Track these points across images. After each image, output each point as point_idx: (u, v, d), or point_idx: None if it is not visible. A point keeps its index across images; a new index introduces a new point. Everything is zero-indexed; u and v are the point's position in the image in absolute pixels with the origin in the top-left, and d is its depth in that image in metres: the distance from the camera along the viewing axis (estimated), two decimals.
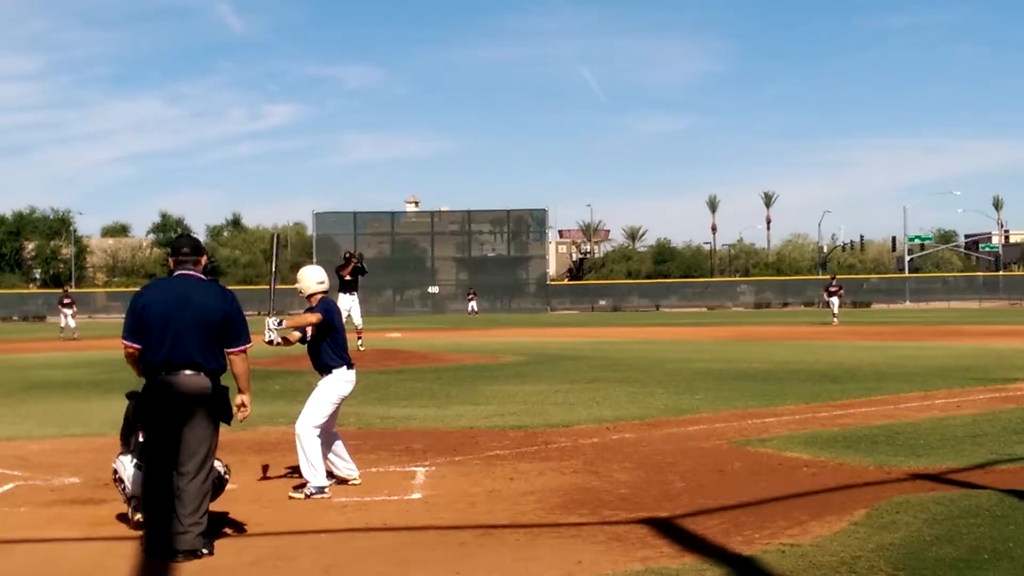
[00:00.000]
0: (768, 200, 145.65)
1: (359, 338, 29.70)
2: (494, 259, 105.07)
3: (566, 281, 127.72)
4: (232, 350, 8.30)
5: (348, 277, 30.17)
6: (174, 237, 8.97)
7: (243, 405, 8.38)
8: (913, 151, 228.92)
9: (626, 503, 9.64)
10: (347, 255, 31.45)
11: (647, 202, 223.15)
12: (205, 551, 7.86)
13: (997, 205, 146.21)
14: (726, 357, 29.38)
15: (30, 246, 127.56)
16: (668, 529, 8.53)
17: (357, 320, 30.16)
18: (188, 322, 8.03)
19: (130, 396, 8.99)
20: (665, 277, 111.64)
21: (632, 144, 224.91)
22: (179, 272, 8.32)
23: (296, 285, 10.86)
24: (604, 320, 71.83)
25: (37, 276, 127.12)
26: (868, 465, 11.29)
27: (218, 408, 8.18)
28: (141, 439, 8.49)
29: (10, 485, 10.95)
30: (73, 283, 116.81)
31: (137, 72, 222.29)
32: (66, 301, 50.99)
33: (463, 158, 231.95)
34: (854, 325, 51.12)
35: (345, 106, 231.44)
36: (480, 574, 7.18)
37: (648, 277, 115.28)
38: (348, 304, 29.19)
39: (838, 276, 62.13)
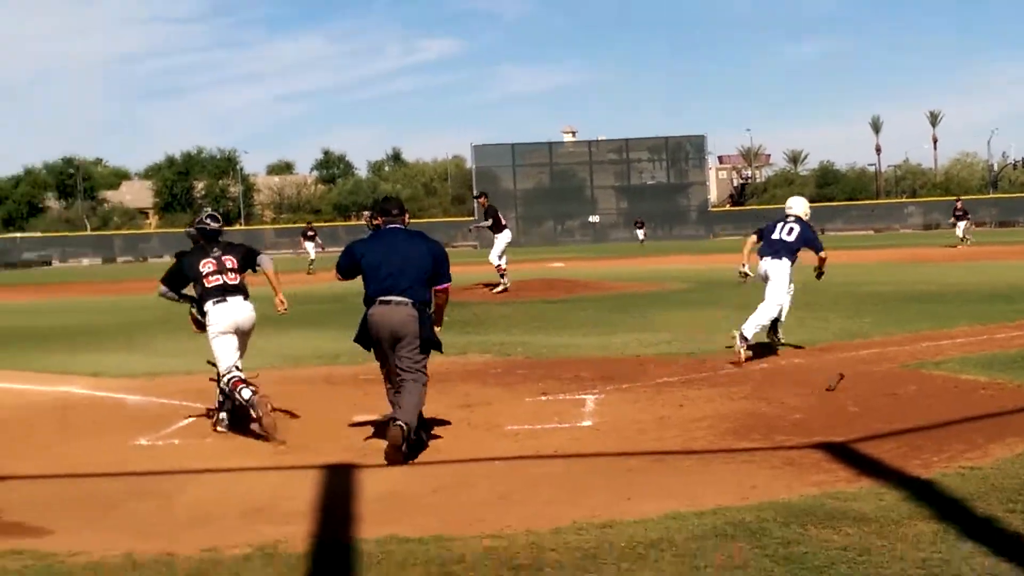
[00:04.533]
0: (934, 119, 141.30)
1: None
2: (653, 187, 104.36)
3: (728, 207, 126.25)
4: (438, 288, 9.77)
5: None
6: (380, 199, 10.15)
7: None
8: None
9: (798, 428, 9.55)
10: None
11: (808, 125, 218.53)
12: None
13: None
14: (895, 279, 28.82)
15: (199, 186, 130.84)
16: (843, 453, 8.44)
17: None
18: (399, 265, 9.53)
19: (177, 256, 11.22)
20: (829, 200, 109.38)
21: (791, 66, 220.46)
22: (390, 227, 9.92)
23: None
24: None
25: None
26: None
27: (424, 333, 9.48)
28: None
29: (195, 417, 11.32)
30: (242, 220, 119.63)
31: (296, 11, 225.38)
32: (309, 234, 51.45)
33: (619, 86, 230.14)
34: None
35: (500, 38, 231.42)
36: (652, 499, 7.20)
37: (812, 201, 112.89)
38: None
39: (962, 198, 59.88)
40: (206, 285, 10.69)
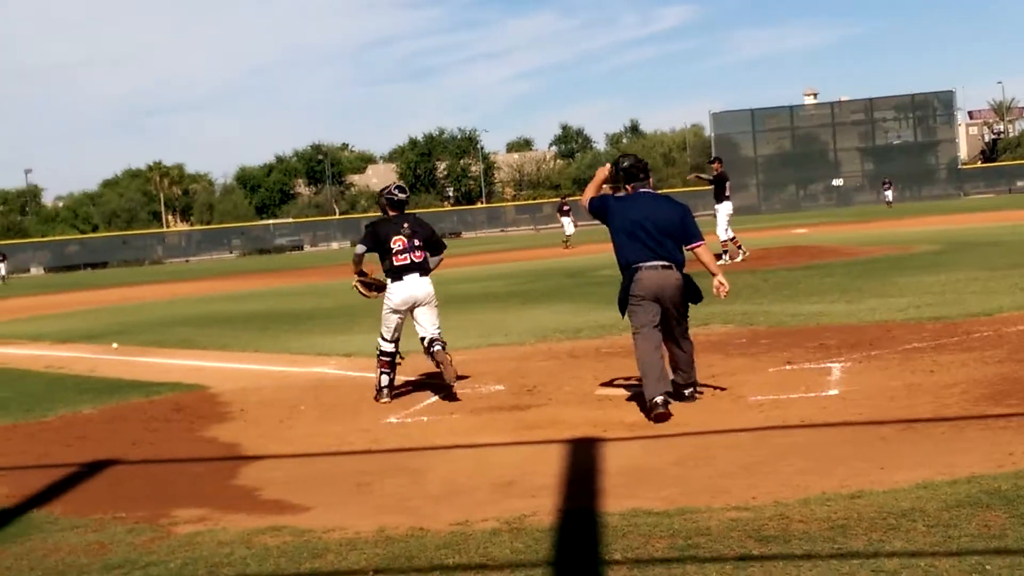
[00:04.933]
0: None
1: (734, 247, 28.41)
2: (900, 146, 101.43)
3: (979, 164, 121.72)
4: (690, 246, 10.12)
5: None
6: (625, 164, 10.47)
7: (721, 284, 10.28)
8: None
9: None
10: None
11: None
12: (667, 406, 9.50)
13: None
14: None
15: (441, 166, 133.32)
16: None
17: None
18: (656, 230, 9.89)
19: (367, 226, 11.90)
20: None
21: None
22: (640, 191, 10.20)
23: None
24: (1023, 202, 68.11)
25: (450, 194, 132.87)
26: None
27: (688, 291, 10.09)
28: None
29: (441, 394, 11.57)
30: (484, 199, 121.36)
31: None
32: (564, 208, 52.19)
33: (860, 44, 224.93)
34: None
35: (736, 2, 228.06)
36: (905, 468, 7.03)
37: None
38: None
39: None
40: (394, 262, 11.44)
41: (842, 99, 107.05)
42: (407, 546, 6.23)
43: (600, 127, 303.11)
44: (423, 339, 11.52)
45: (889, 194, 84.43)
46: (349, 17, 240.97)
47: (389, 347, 11.63)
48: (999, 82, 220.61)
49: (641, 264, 9.87)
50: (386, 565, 5.96)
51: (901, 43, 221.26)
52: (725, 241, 27.79)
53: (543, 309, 19.75)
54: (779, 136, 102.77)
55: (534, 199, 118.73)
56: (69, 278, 73.06)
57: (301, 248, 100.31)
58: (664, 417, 9.36)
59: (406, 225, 11.57)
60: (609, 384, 11.27)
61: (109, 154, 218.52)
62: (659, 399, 9.46)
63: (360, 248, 11.84)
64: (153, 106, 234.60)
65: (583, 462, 8.15)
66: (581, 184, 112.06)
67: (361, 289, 12.09)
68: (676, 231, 10.03)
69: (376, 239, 11.57)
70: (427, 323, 11.53)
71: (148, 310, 29.71)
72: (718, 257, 27.13)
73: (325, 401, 11.84)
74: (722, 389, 10.52)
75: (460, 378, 11.65)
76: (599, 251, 36.55)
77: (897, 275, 21.05)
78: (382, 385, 11.60)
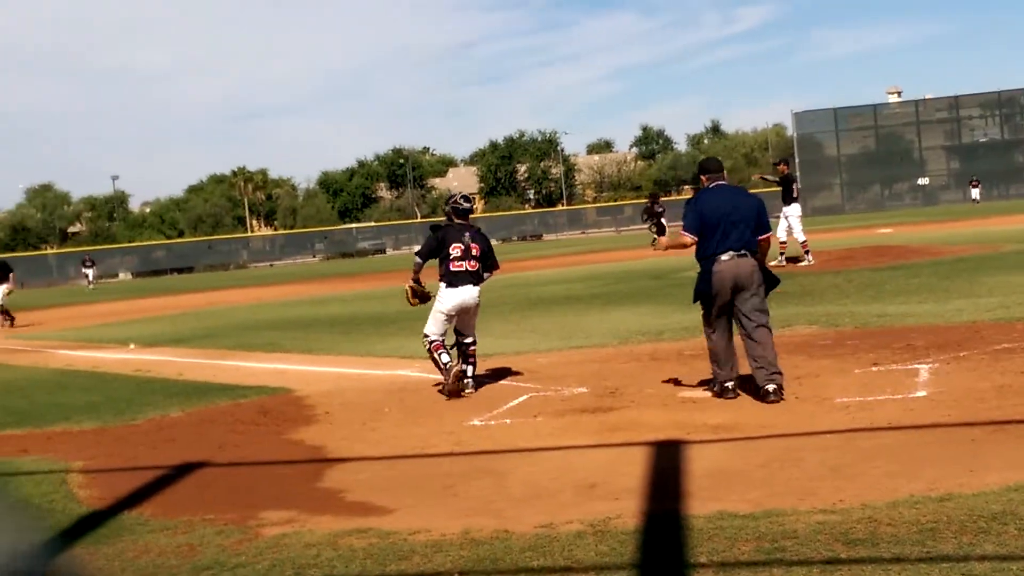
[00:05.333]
0: None
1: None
2: (986, 144, 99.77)
3: None
4: (761, 237, 10.66)
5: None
6: (702, 159, 11.09)
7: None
8: None
9: None
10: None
11: None
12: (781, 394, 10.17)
13: None
14: None
15: (522, 168, 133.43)
16: None
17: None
18: (734, 220, 10.44)
19: (433, 228, 12.45)
20: None
21: None
22: (716, 183, 10.77)
23: None
24: None
25: (531, 196, 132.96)
26: None
27: (765, 280, 10.56)
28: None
29: (524, 397, 11.59)
30: (564, 201, 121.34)
31: None
32: (658, 210, 51.81)
33: (944, 41, 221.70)
34: None
35: (817, 1, 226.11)
36: (995, 471, 6.92)
37: None
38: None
39: None
40: (450, 267, 12.18)
41: (927, 97, 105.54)
42: (492, 548, 6.26)
43: (681, 128, 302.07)
44: (458, 333, 12.40)
45: (976, 192, 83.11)
46: (429, 21, 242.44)
47: (436, 337, 12.30)
48: None
49: (722, 254, 10.39)
50: (471, 567, 5.98)
51: (986, 39, 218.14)
52: (805, 242, 27.43)
53: (625, 311, 19.71)
54: (863, 135, 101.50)
55: (615, 201, 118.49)
56: (156, 283, 74.09)
57: (383, 251, 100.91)
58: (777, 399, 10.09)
59: (467, 235, 12.29)
60: (692, 388, 11.21)
61: (194, 160, 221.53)
62: (729, 384, 10.46)
63: (419, 259, 12.44)
64: (237, 112, 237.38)
65: (667, 465, 8.12)
66: (661, 185, 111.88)
67: (409, 295, 12.65)
68: (753, 222, 10.59)
69: (438, 244, 12.25)
70: (466, 326, 12.40)
71: (233, 314, 30.05)
72: (795, 261, 26.92)
73: (409, 403, 11.91)
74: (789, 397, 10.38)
75: (467, 386, 12.23)
76: (683, 252, 36.33)
77: (985, 275, 20.72)
78: (444, 363, 12.14)
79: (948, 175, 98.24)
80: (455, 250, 12.15)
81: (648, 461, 8.27)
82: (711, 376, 10.83)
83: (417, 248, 12.95)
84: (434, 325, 12.32)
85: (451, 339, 12.54)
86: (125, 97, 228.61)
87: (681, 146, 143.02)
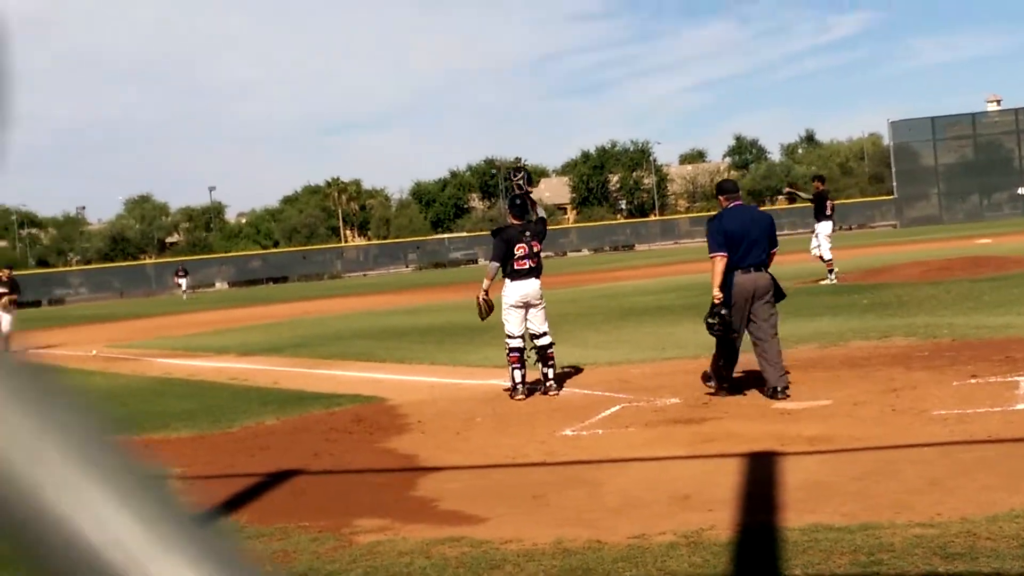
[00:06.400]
0: None
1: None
2: None
3: None
4: (772, 251, 11.71)
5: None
6: (720, 180, 12.08)
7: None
8: None
9: None
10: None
11: None
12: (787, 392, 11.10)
13: None
14: None
15: (614, 179, 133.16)
16: None
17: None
18: (754, 237, 11.44)
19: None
20: None
21: None
22: (735, 204, 11.79)
23: None
24: None
25: (622, 207, 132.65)
26: None
27: (777, 291, 11.53)
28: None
29: (617, 407, 11.56)
30: (657, 211, 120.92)
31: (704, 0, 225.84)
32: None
33: None
34: None
35: (914, 8, 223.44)
36: None
37: None
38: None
39: None
40: (514, 266, 12.88)
41: None
42: (584, 558, 6.25)
43: (774, 137, 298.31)
44: (532, 336, 12.99)
45: None
46: (522, 32, 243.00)
47: (516, 342, 12.83)
48: None
49: (742, 267, 11.39)
50: None
51: None
52: (830, 261, 26.84)
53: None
54: (960, 144, 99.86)
55: (708, 211, 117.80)
56: (252, 292, 74.96)
57: (476, 261, 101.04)
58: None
59: (527, 235, 13.02)
60: (788, 399, 11.11)
61: (289, 171, 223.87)
62: (725, 385, 11.64)
63: (494, 265, 13.16)
64: (331, 123, 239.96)
65: (761, 476, 8.06)
66: (755, 195, 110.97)
67: (483, 308, 13.23)
68: (768, 238, 11.64)
69: (505, 246, 12.93)
70: (537, 322, 13.01)
71: (327, 323, 30.30)
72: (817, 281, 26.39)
73: (500, 413, 11.94)
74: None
75: (559, 386, 12.99)
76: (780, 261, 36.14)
77: None
78: (516, 381, 12.75)
79: None
80: (520, 251, 12.90)
81: (742, 472, 8.22)
82: (711, 377, 11.89)
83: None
84: (509, 323, 12.93)
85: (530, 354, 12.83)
86: (222, 109, 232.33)
87: (775, 155, 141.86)
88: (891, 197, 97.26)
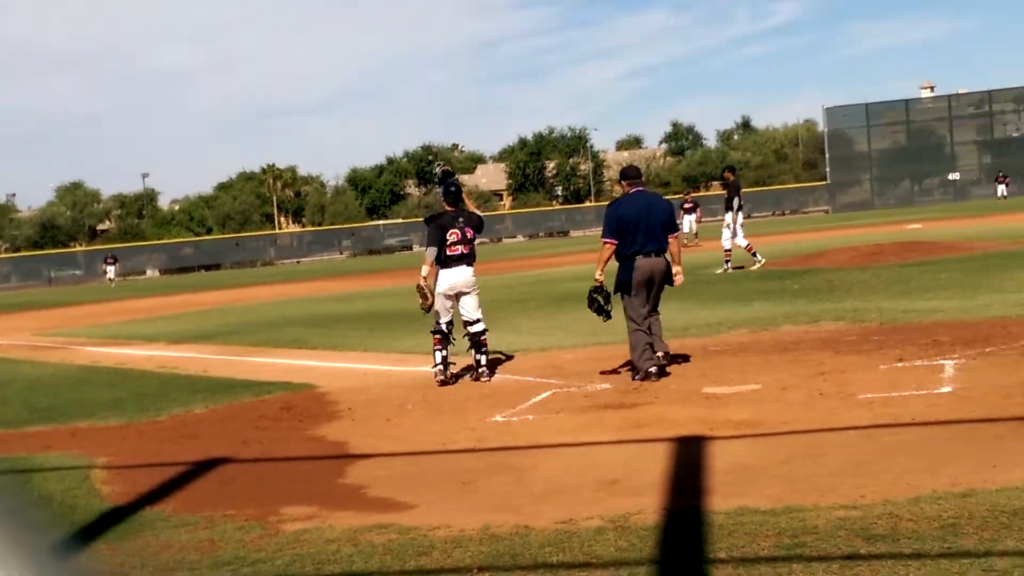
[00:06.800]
0: None
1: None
2: (1019, 139, 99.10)
3: None
4: (671, 236, 12.22)
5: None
6: (624, 167, 13.44)
7: (678, 274, 12.20)
8: None
9: None
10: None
11: None
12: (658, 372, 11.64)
13: None
14: None
15: (550, 165, 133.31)
16: None
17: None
18: (651, 222, 11.93)
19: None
20: None
21: None
22: (635, 190, 12.29)
23: None
24: None
25: (559, 193, 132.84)
26: None
27: (668, 276, 12.06)
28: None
29: (548, 393, 11.57)
30: (592, 197, 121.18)
31: None
32: (687, 206, 51.17)
33: (981, 35, 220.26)
34: None
35: None
36: (1019, 466, 6.87)
37: None
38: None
39: None
40: (447, 252, 12.89)
41: (960, 91, 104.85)
42: (512, 544, 6.25)
43: (711, 124, 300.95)
44: (465, 323, 13.02)
45: (1002, 188, 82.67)
46: (460, 18, 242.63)
47: (440, 326, 12.91)
48: None
49: (642, 252, 11.84)
50: (491, 563, 5.98)
51: (1021, 33, 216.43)
52: (728, 250, 27.26)
53: None
54: (894, 130, 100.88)
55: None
56: (184, 280, 74.39)
57: (410, 248, 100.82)
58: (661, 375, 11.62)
59: (460, 220, 13.06)
60: (716, 384, 11.17)
61: (223, 157, 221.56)
62: (653, 368, 11.58)
63: (431, 250, 13.05)
64: (266, 109, 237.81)
65: (689, 460, 8.10)
66: (690, 181, 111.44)
67: (426, 292, 13.05)
68: (666, 223, 12.15)
69: (440, 231, 12.94)
70: (470, 309, 13.05)
71: (260, 311, 30.12)
72: (740, 268, 26.74)
73: (431, 400, 11.91)
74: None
75: (491, 372, 13.02)
76: (713, 248, 36.40)
77: (1015, 270, 20.57)
78: (436, 361, 12.84)
79: (979, 170, 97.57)
80: (452, 236, 12.91)
81: (670, 457, 8.25)
82: (632, 363, 11.97)
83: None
84: (438, 309, 12.98)
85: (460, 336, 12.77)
86: (155, 95, 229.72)
87: (711, 142, 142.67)
88: (824, 183, 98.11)
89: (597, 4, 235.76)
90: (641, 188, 12.46)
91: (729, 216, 27.51)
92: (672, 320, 16.86)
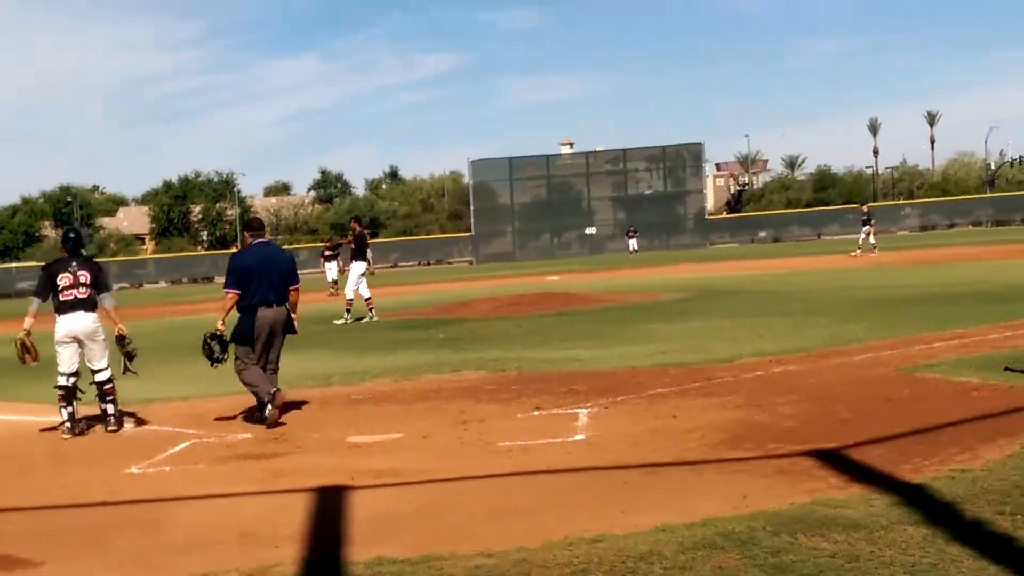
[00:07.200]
0: (932, 119, 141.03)
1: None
2: (651, 196, 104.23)
3: (724, 215, 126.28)
4: (293, 288, 12.56)
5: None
6: (248, 219, 14.57)
7: (295, 322, 12.70)
8: None
9: (791, 436, 9.53)
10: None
11: (806, 129, 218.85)
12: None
13: None
14: (891, 283, 28.84)
15: (196, 209, 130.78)
16: (835, 460, 8.42)
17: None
18: (274, 274, 12.26)
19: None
20: (826, 204, 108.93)
21: (789, 71, 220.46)
22: (258, 241, 12.65)
23: None
24: (764, 252, 70.93)
25: (204, 238, 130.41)
26: None
27: (289, 326, 12.50)
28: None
29: (187, 443, 11.29)
30: (239, 243, 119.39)
31: (293, 32, 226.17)
32: (327, 254, 50.12)
33: (618, 97, 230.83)
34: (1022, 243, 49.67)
35: (498, 51, 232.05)
36: (644, 512, 7.18)
37: (808, 205, 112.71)
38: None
39: (869, 204, 58.88)
40: (60, 297, 12.50)
41: (597, 149, 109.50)
42: None
43: (360, 172, 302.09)
44: (93, 372, 12.55)
45: (633, 243, 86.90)
46: (102, 57, 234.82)
47: (63, 379, 12.32)
48: (745, 136, 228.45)
49: (263, 303, 12.14)
50: None
51: (656, 96, 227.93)
52: (350, 300, 26.96)
53: (292, 356, 19.43)
54: (535, 184, 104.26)
55: (291, 244, 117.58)
56: None
57: None
58: (278, 423, 11.82)
59: (73, 264, 12.62)
60: (360, 433, 11.19)
61: None
62: (275, 411, 11.84)
63: (36, 301, 12.70)
64: None
65: (330, 510, 8.06)
66: (338, 229, 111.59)
67: (21, 350, 12.60)
68: (287, 276, 12.47)
69: (48, 279, 12.57)
70: (95, 357, 12.57)
71: None
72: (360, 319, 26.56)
73: (62, 451, 11.43)
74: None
75: (119, 422, 12.54)
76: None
77: (645, 322, 21.60)
78: (63, 418, 12.29)
79: (614, 225, 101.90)
80: (63, 280, 12.46)
81: (311, 507, 8.18)
82: (256, 405, 12.23)
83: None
84: (60, 359, 12.47)
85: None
86: None
87: (359, 190, 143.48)
88: (469, 234, 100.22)
89: (248, 48, 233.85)
90: (264, 240, 12.81)
91: (355, 266, 27.05)
92: (316, 368, 16.87)
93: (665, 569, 5.92)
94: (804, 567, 5.79)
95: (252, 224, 13.07)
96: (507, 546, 6.57)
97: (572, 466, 9.00)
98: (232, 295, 12.20)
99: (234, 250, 13.35)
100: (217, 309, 12.55)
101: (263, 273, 12.19)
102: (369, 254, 27.09)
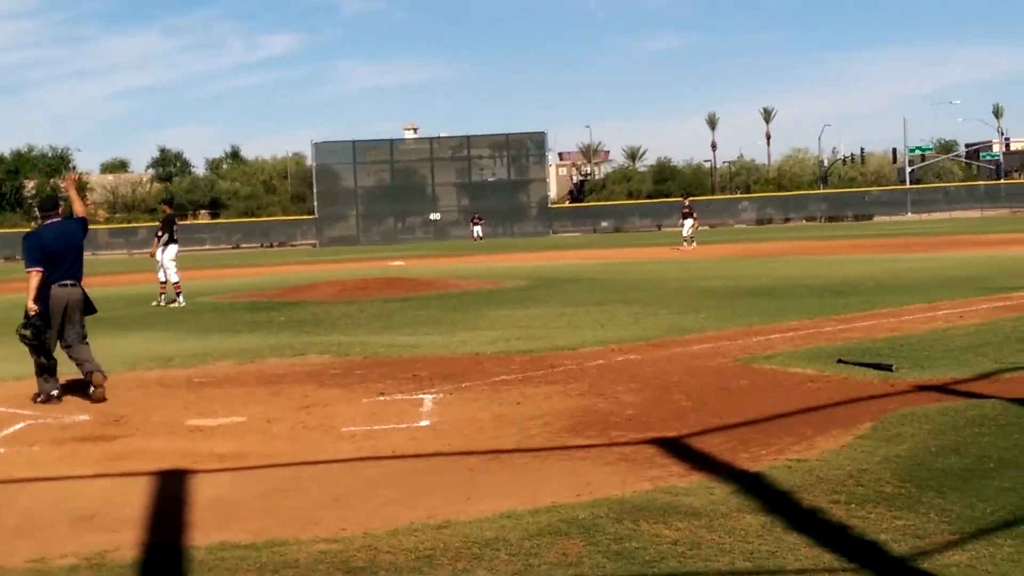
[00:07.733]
0: (768, 116, 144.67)
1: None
2: (494, 184, 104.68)
3: (567, 204, 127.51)
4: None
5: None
6: (41, 199, 15.82)
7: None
8: (912, 61, 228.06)
9: (633, 424, 9.69)
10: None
11: (646, 122, 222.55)
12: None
13: (997, 113, 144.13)
14: (729, 275, 29.42)
15: (30, 184, 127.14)
16: (676, 448, 8.58)
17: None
18: (69, 253, 12.22)
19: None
20: (666, 196, 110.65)
21: (630, 64, 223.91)
22: (52, 221, 12.49)
23: None
24: (606, 242, 71.81)
25: (37, 214, 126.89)
26: (872, 379, 11.34)
27: (88, 305, 12.46)
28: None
29: (21, 424, 11.00)
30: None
31: (133, 6, 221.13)
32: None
33: (462, 83, 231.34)
34: (857, 239, 51.11)
35: (343, 34, 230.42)
36: (490, 498, 7.23)
37: (649, 197, 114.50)
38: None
39: (691, 197, 60.27)
40: None
41: (441, 135, 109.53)
42: None
43: (200, 151, 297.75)
44: None
45: (478, 230, 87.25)
46: None
47: None
48: (587, 126, 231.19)
49: (60, 282, 12.11)
50: None
51: (501, 84, 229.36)
52: (164, 283, 26.38)
53: (134, 336, 19.16)
54: (379, 168, 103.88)
55: (128, 223, 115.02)
56: None
57: None
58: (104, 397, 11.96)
59: None
60: (201, 416, 11.03)
61: None
62: (55, 392, 12.20)
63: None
64: None
65: (170, 494, 7.93)
66: (179, 208, 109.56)
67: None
68: (81, 252, 12.49)
69: None
70: None
71: None
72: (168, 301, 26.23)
73: None
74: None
75: None
76: (207, 276, 35.87)
77: (489, 309, 21.70)
78: None
79: (459, 211, 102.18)
80: None
81: (151, 491, 8.05)
82: (38, 391, 12.24)
83: None
84: None
85: None
86: None
87: (199, 169, 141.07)
88: (312, 217, 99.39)
89: (85, 21, 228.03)
90: (58, 219, 12.67)
91: (167, 250, 26.25)
92: (156, 350, 16.58)
93: (510, 556, 5.97)
94: (646, 554, 5.89)
95: (45, 205, 13.06)
96: (352, 532, 6.55)
97: (417, 452, 9.01)
98: (37, 272, 12.09)
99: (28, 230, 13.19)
100: (27, 290, 12.18)
101: (59, 251, 12.15)
102: (167, 237, 26.47)
